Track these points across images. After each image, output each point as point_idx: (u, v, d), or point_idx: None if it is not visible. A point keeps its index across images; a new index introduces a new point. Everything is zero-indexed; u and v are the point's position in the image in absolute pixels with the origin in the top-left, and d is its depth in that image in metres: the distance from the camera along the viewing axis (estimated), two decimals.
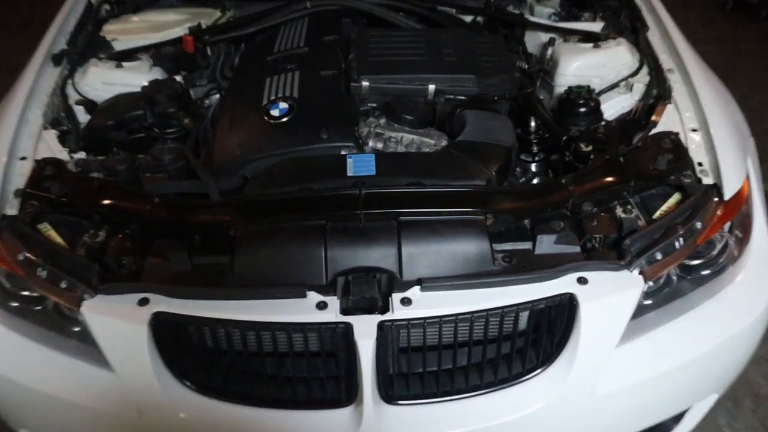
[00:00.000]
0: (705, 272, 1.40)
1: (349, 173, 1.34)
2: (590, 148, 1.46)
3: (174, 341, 1.22)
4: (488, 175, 1.38)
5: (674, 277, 1.37)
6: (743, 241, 1.46)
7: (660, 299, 1.35)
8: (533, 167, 1.60)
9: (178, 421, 1.22)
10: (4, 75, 1.77)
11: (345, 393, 1.21)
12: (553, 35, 1.87)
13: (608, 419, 1.33)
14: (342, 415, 1.20)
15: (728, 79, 1.78)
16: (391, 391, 1.21)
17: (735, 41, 3.61)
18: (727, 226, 1.43)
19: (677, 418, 1.54)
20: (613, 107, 1.71)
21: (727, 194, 1.39)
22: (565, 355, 1.23)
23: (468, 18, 2.06)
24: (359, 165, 1.35)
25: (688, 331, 1.35)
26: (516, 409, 1.23)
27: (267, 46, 1.79)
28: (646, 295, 1.35)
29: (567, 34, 1.86)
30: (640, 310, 1.33)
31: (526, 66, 1.85)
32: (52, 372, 1.29)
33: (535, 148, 1.58)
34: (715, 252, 1.41)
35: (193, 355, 1.25)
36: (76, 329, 1.30)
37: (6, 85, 1.68)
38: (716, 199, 1.38)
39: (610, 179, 1.38)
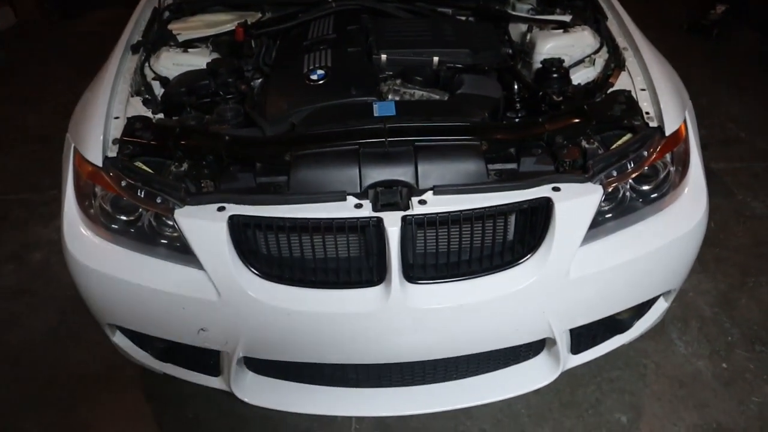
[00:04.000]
0: (653, 195, 1.69)
1: (375, 114, 1.65)
2: (561, 98, 1.78)
3: (246, 239, 1.51)
4: (482, 116, 1.70)
5: (628, 194, 1.67)
6: (683, 173, 1.77)
7: (618, 213, 1.64)
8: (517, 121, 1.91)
9: (249, 299, 1.50)
10: None
11: (377, 274, 1.49)
12: (531, 25, 2.21)
13: (580, 299, 1.61)
14: (375, 291, 1.49)
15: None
16: (413, 273, 1.50)
17: (689, 56, 3.99)
18: (669, 158, 1.74)
19: (637, 315, 1.83)
20: (579, 78, 2.03)
21: (668, 132, 1.70)
22: (544, 246, 1.52)
23: (462, 18, 2.41)
24: (383, 108, 1.66)
25: (640, 234, 1.64)
26: (508, 287, 1.51)
27: (300, 38, 2.12)
28: (607, 211, 1.65)
29: (542, 24, 2.20)
30: (602, 220, 1.62)
31: (510, 51, 2.18)
32: (148, 271, 1.57)
33: (518, 106, 1.90)
34: (660, 177, 1.71)
35: (261, 249, 1.54)
36: (165, 241, 1.59)
37: None
38: (658, 136, 1.69)
39: (576, 120, 1.69)
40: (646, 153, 1.65)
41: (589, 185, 1.55)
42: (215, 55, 2.09)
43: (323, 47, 1.98)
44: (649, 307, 1.86)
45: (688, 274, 1.82)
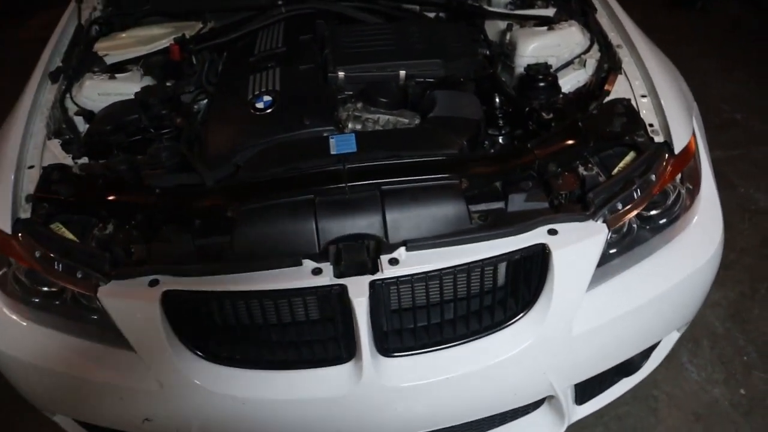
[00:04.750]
0: (662, 221, 1.45)
1: (333, 152, 1.38)
2: (551, 115, 1.52)
3: (185, 316, 1.25)
4: (460, 145, 1.43)
5: (635, 226, 1.42)
6: (694, 192, 1.53)
7: (623, 247, 1.41)
8: (500, 140, 1.65)
9: (195, 388, 1.25)
10: None
11: (345, 350, 1.24)
12: (510, 22, 1.92)
13: (584, 356, 1.37)
14: (344, 370, 1.24)
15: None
16: (387, 345, 1.25)
17: (673, 33, 3.71)
18: (678, 178, 1.50)
19: (646, 355, 1.60)
20: (569, 82, 1.76)
21: (677, 149, 1.45)
22: (541, 301, 1.28)
23: (432, 15, 2.12)
24: (341, 144, 1.39)
25: (649, 273, 1.41)
26: (499, 353, 1.27)
27: (248, 50, 1.82)
28: (611, 244, 1.41)
29: (523, 20, 1.91)
30: (606, 258, 1.38)
31: (488, 51, 1.90)
32: (76, 356, 1.32)
33: (500, 122, 1.63)
34: (669, 202, 1.46)
35: (204, 327, 1.28)
36: (95, 317, 1.32)
37: None
38: (667, 154, 1.44)
39: (570, 141, 1.43)
40: (654, 176, 1.40)
41: (590, 224, 1.30)
42: (147, 80, 1.79)
43: (271, 65, 1.69)
44: (659, 343, 1.63)
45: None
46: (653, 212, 1.45)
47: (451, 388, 1.28)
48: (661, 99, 1.54)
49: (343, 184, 1.29)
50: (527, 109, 1.55)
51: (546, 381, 1.36)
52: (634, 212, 1.38)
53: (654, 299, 1.40)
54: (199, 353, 1.25)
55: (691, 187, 1.52)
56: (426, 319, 1.27)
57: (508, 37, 1.87)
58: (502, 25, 1.94)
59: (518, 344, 1.28)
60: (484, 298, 1.30)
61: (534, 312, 1.28)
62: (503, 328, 1.29)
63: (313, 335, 1.27)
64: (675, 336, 1.67)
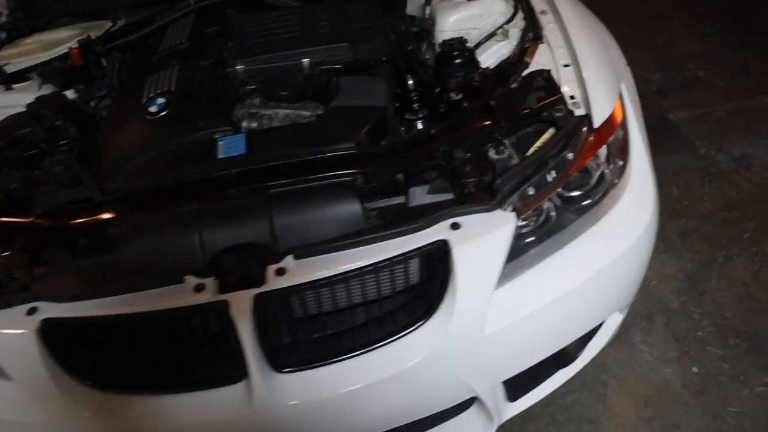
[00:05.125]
0: (585, 202, 1.35)
1: (220, 155, 1.28)
2: (460, 96, 1.41)
3: (67, 344, 1.17)
4: (358, 137, 1.32)
5: (553, 213, 1.32)
6: (623, 167, 1.42)
7: (542, 234, 1.31)
8: (419, 125, 1.54)
9: (84, 419, 1.17)
10: None
11: (234, 369, 1.16)
12: None
13: (503, 354, 1.29)
14: (235, 390, 1.16)
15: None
16: (280, 360, 1.17)
17: None
18: (603, 154, 1.39)
19: (583, 343, 1.51)
20: (494, 55, 1.64)
21: (597, 122, 1.34)
22: (446, 302, 1.19)
23: None
24: (229, 146, 1.29)
25: (572, 259, 1.30)
26: (405, 360, 1.18)
27: (153, 48, 1.71)
28: (528, 232, 1.31)
29: None
30: (521, 248, 1.29)
31: (414, 29, 1.78)
32: None
33: (416, 105, 1.52)
34: (592, 181, 1.36)
35: (92, 354, 1.20)
36: None
37: None
38: (585, 128, 1.33)
39: (479, 123, 1.33)
40: (571, 155, 1.29)
41: (498, 213, 1.20)
42: (48, 90, 1.68)
43: (172, 63, 1.58)
44: (598, 329, 1.54)
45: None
46: (575, 193, 1.35)
47: (357, 401, 1.20)
48: (582, 68, 1.42)
49: (229, 190, 1.20)
50: (437, 90, 1.44)
51: (463, 383, 1.28)
52: (548, 196, 1.28)
53: (578, 287, 1.30)
54: (85, 382, 1.18)
55: (620, 162, 1.42)
56: (322, 329, 1.19)
57: (427, 11, 1.75)
58: None
59: (425, 349, 1.19)
60: (387, 302, 1.21)
61: (439, 314, 1.19)
62: (407, 333, 1.20)
63: (204, 356, 1.19)
64: (618, 318, 1.58)
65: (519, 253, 1.28)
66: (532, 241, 1.31)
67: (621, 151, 1.43)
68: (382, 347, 1.19)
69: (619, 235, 1.35)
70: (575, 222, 1.35)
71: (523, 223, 1.29)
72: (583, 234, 1.33)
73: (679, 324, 1.87)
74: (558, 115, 1.34)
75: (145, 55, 1.72)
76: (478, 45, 1.65)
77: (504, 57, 1.63)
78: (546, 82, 1.41)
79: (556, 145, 1.29)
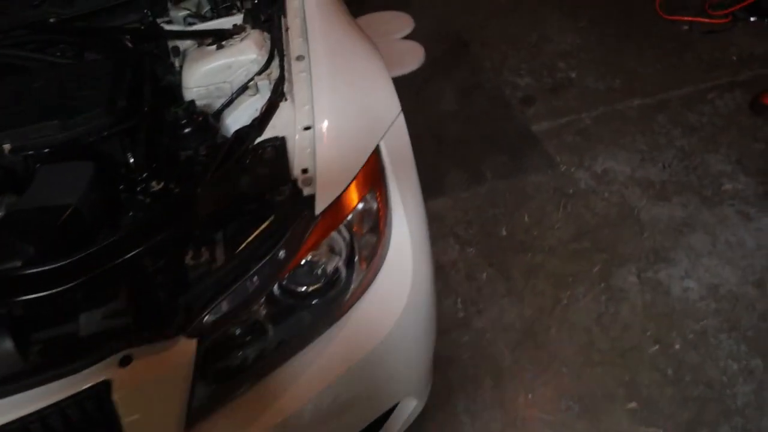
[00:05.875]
0: (315, 300, 1.14)
1: None
2: (161, 185, 1.17)
3: None
4: (26, 253, 1.08)
5: (270, 329, 1.10)
6: (377, 245, 1.21)
7: (259, 347, 1.10)
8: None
9: None
10: None
11: None
12: (188, 41, 1.54)
13: None
14: None
15: None
16: None
17: None
18: (343, 238, 1.17)
19: None
20: (245, 113, 1.41)
21: (322, 205, 1.12)
22: None
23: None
24: None
25: (302, 371, 1.10)
26: None
27: None
28: (241, 347, 1.09)
29: (201, 38, 1.53)
30: (234, 368, 1.08)
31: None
32: None
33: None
34: (323, 278, 1.14)
35: None
36: None
37: None
38: (306, 215, 1.11)
39: (174, 221, 1.09)
40: (283, 254, 1.07)
41: (180, 341, 0.98)
42: None
43: None
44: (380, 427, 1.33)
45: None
46: (302, 289, 1.13)
47: None
48: (316, 132, 1.20)
49: None
50: (140, 177, 1.20)
51: None
52: (251, 308, 1.06)
53: (312, 399, 1.10)
54: None
55: (374, 238, 1.20)
56: None
57: (177, 64, 1.51)
58: (182, 47, 1.56)
59: None
60: None
61: None
62: None
63: None
64: (410, 406, 1.38)
65: (229, 377, 1.07)
66: (249, 362, 1.09)
67: (376, 227, 1.21)
68: None
69: (371, 328, 1.15)
70: (314, 322, 1.14)
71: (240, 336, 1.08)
72: (323, 336, 1.13)
73: (508, 386, 1.66)
74: (279, 198, 1.11)
75: None
76: (228, 103, 1.41)
77: (255, 116, 1.39)
78: (276, 153, 1.18)
79: (265, 241, 1.07)
